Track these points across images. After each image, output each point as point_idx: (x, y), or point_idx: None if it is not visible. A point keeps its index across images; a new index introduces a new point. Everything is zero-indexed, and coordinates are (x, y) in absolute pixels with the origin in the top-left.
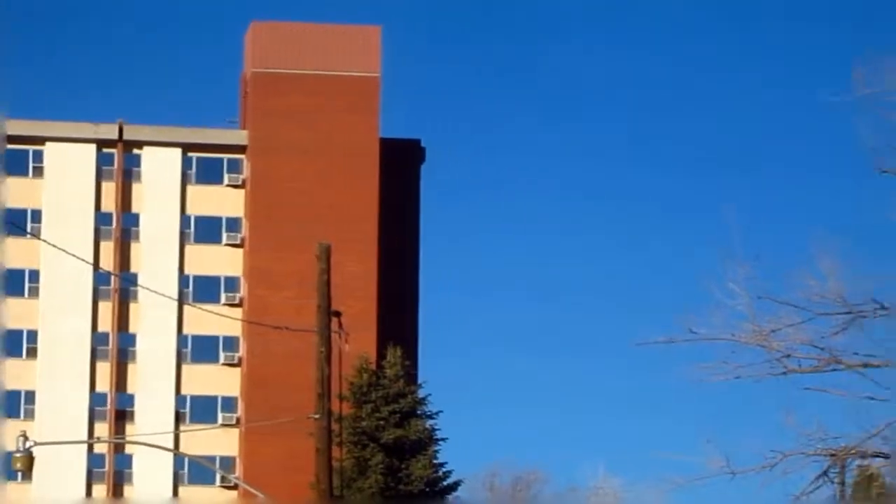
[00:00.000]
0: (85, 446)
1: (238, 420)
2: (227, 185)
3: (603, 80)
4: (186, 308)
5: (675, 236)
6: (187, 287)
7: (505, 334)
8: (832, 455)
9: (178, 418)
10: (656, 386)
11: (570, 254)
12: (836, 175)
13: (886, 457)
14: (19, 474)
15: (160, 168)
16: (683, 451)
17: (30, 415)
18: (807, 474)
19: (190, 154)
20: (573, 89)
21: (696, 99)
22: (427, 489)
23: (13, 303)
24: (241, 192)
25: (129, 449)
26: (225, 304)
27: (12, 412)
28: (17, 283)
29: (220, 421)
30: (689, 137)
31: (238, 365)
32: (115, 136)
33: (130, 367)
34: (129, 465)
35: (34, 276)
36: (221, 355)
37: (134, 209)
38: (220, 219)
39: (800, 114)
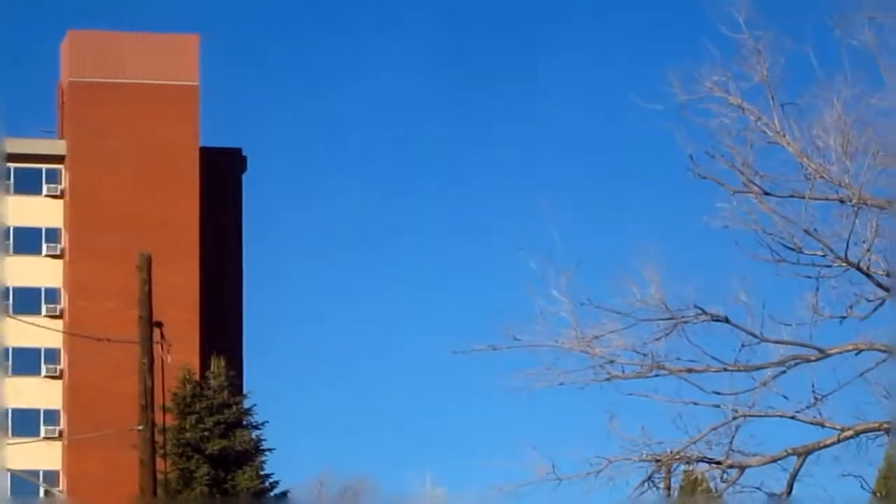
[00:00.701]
0: None
1: (60, 433)
2: (46, 196)
3: (420, 85)
4: (6, 320)
5: (495, 244)
6: (7, 299)
7: (331, 343)
8: (657, 460)
9: None
10: (481, 394)
11: (394, 259)
12: (657, 181)
13: (710, 461)
14: None
15: None
16: (509, 459)
17: None
18: (632, 480)
19: (7, 164)
20: (391, 90)
21: (510, 98)
22: (253, 499)
23: None
24: (61, 202)
25: None
26: (46, 316)
27: None
28: None
29: (42, 434)
30: (509, 142)
31: (60, 377)
32: None
33: None
34: None
35: None
36: (43, 367)
37: None
38: (39, 230)
39: (616, 117)
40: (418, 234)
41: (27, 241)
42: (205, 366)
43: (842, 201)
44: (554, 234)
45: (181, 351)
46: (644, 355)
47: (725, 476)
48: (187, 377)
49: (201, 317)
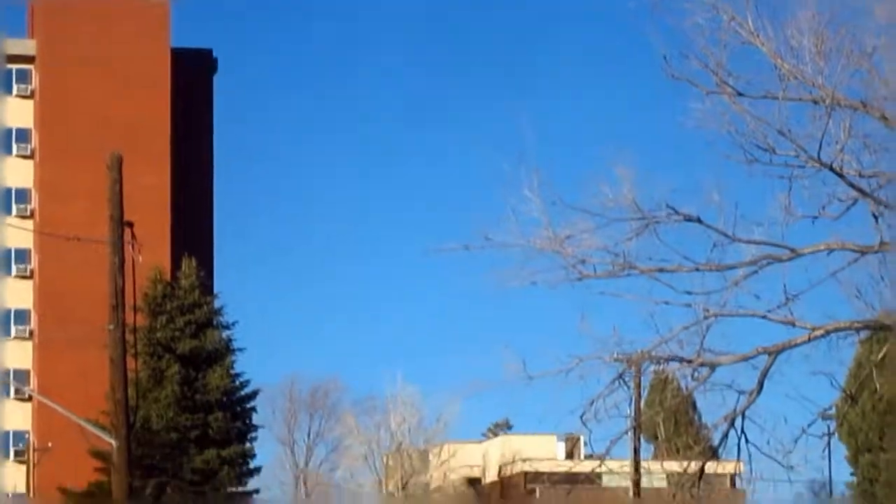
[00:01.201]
0: None
1: (31, 333)
2: (17, 96)
3: None
4: None
5: (468, 143)
6: None
7: (302, 244)
8: (627, 360)
9: None
10: (454, 293)
11: (365, 158)
12: (629, 82)
13: (681, 360)
14: None
15: None
16: (481, 357)
17: None
18: (603, 378)
19: None
20: None
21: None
22: (224, 398)
23: None
24: (31, 102)
25: None
26: (16, 217)
27: None
28: None
29: (13, 334)
30: (483, 43)
31: (30, 277)
32: None
33: None
34: None
35: None
36: (14, 267)
37: None
38: (9, 130)
39: (590, 15)
40: (389, 133)
41: None
42: (176, 266)
43: (815, 102)
44: (527, 134)
45: (152, 251)
46: (616, 255)
47: (696, 374)
48: (158, 277)
49: (172, 217)
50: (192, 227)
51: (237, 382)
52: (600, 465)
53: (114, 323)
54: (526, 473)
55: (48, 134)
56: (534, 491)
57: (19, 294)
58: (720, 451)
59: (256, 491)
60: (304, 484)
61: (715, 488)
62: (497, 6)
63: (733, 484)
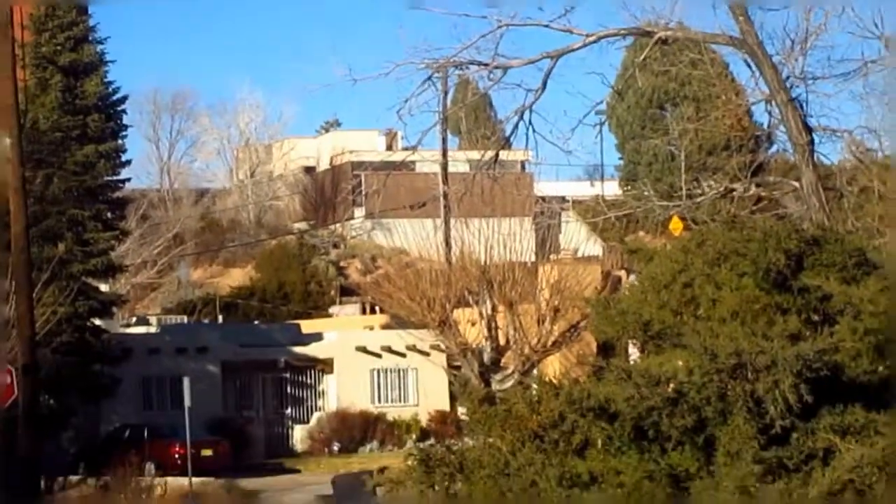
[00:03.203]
0: None
1: None
2: None
3: None
4: None
5: None
6: None
7: None
8: (435, 65)
9: None
10: (292, 6)
11: None
12: None
13: (479, 64)
14: None
15: None
16: (315, 64)
17: None
18: (415, 81)
19: None
20: None
21: None
22: (100, 103)
23: None
24: None
25: None
26: None
27: None
28: None
29: None
30: None
31: None
32: None
33: None
34: None
35: None
36: None
37: None
38: None
39: None
40: None
41: None
42: None
43: None
44: None
45: None
46: None
47: (491, 76)
48: None
49: None
50: None
51: (110, 89)
52: (413, 153)
53: (3, 40)
54: (352, 163)
55: None
56: (359, 176)
57: None
58: (512, 140)
59: (128, 179)
60: (168, 174)
61: (508, 171)
62: None
63: (523, 168)
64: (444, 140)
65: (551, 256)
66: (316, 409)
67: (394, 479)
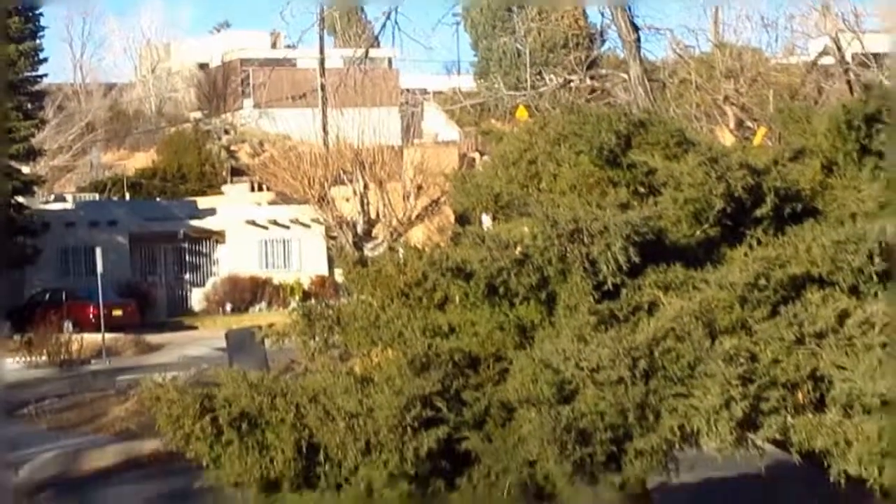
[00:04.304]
0: None
1: None
2: None
3: None
4: None
5: None
6: None
7: None
8: None
9: None
10: None
11: None
12: None
13: None
14: None
15: None
16: None
17: None
18: None
19: None
20: None
21: None
22: (19, 7)
23: None
24: None
25: None
26: None
27: None
28: None
29: None
30: None
31: None
32: None
33: None
34: None
35: None
36: None
37: None
38: None
39: None
40: None
41: None
42: None
43: None
44: None
45: None
46: None
47: None
48: None
49: None
50: None
51: None
52: (294, 50)
53: None
54: (241, 60)
55: None
56: (247, 71)
57: None
58: (380, 38)
59: (46, 75)
60: (81, 70)
61: (377, 66)
62: None
63: (390, 64)
64: (322, 38)
65: (415, 141)
66: (211, 275)
67: (280, 332)
